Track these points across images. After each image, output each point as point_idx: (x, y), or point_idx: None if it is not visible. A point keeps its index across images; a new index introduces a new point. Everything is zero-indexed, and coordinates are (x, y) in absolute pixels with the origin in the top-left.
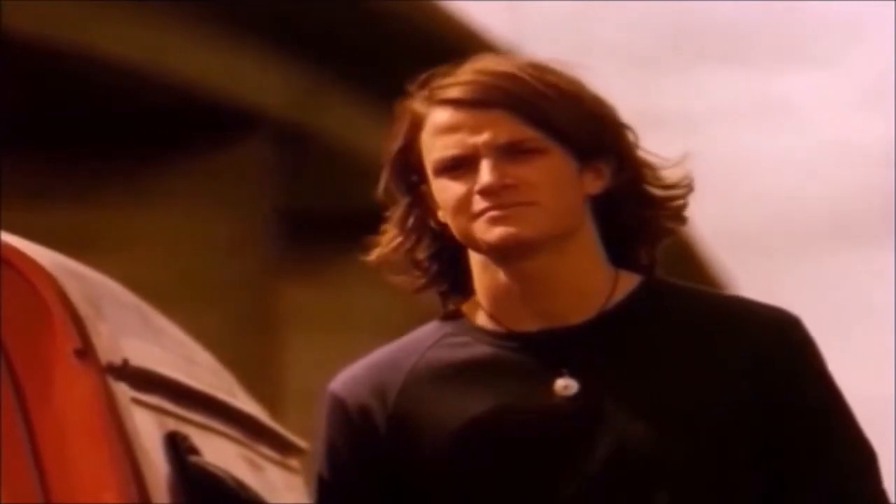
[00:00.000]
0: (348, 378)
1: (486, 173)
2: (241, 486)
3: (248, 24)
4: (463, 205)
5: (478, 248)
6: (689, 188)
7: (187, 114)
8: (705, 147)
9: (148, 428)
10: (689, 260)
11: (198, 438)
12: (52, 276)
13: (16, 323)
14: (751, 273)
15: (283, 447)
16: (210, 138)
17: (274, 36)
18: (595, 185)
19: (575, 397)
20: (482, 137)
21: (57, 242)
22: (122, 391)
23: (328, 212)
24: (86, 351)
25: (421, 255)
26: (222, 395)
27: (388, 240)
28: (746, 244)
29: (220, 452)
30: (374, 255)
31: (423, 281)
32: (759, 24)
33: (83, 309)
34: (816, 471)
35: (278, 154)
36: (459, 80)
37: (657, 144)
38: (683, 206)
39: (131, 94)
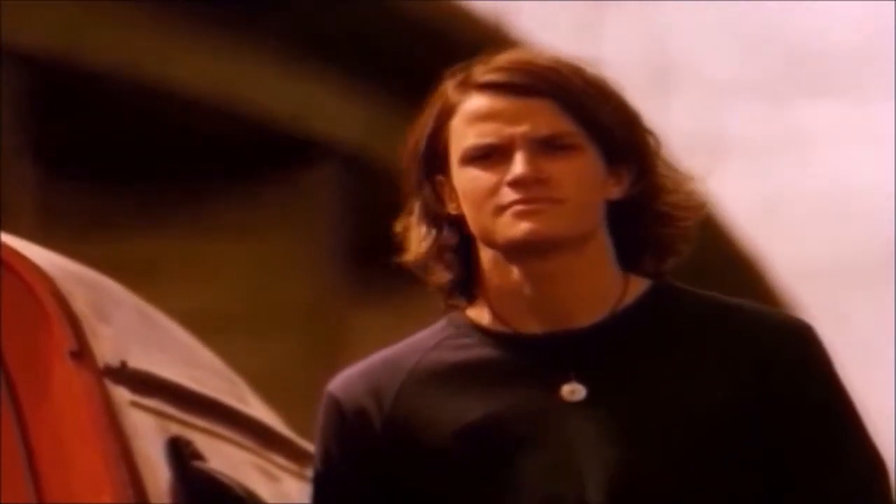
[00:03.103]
0: (346, 379)
1: (520, 165)
2: (249, 494)
3: (316, 54)
4: (489, 196)
5: (494, 243)
6: (701, 208)
7: (257, 142)
8: (788, 175)
9: (148, 432)
10: (757, 286)
11: (203, 444)
12: (50, 277)
13: (11, 323)
14: (824, 303)
15: (300, 456)
16: (279, 167)
17: (342, 65)
18: (614, 190)
19: (582, 403)
20: (520, 128)
21: (127, 271)
22: (120, 394)
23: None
24: (82, 352)
25: (446, 249)
26: (232, 402)
27: (419, 237)
28: (822, 273)
29: (228, 459)
30: (409, 256)
31: (449, 277)
32: (847, 52)
33: (81, 310)
34: (823, 479)
35: (347, 182)
36: (500, 66)
37: (737, 170)
38: (692, 227)
39: (201, 124)
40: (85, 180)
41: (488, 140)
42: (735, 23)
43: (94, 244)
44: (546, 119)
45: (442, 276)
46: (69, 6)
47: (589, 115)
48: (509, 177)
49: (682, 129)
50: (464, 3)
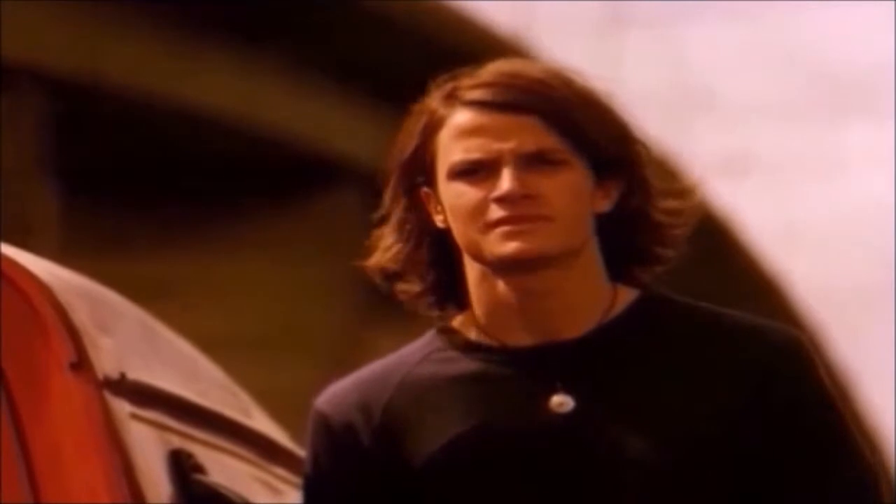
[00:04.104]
0: (333, 394)
1: (507, 181)
2: None
3: (338, 76)
4: (476, 212)
5: (482, 259)
6: (692, 217)
7: (278, 163)
8: (812, 196)
9: (149, 444)
10: (777, 306)
11: (205, 457)
12: (49, 287)
13: (10, 335)
14: (844, 322)
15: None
16: (301, 187)
17: (364, 87)
18: (603, 203)
19: (570, 414)
20: (508, 144)
21: (146, 291)
22: (120, 406)
23: None
24: (81, 364)
25: (420, 261)
26: (235, 415)
27: (387, 245)
28: (843, 293)
29: (230, 472)
30: (371, 262)
31: (419, 289)
32: (872, 74)
33: (80, 322)
34: (817, 491)
35: (368, 204)
36: (487, 81)
37: (760, 191)
38: (682, 235)
39: (222, 144)
40: (106, 200)
41: (475, 156)
42: (761, 44)
43: (115, 263)
44: (533, 135)
45: (413, 286)
46: (91, 29)
47: (576, 130)
48: (496, 193)
49: (706, 150)
50: (487, 27)
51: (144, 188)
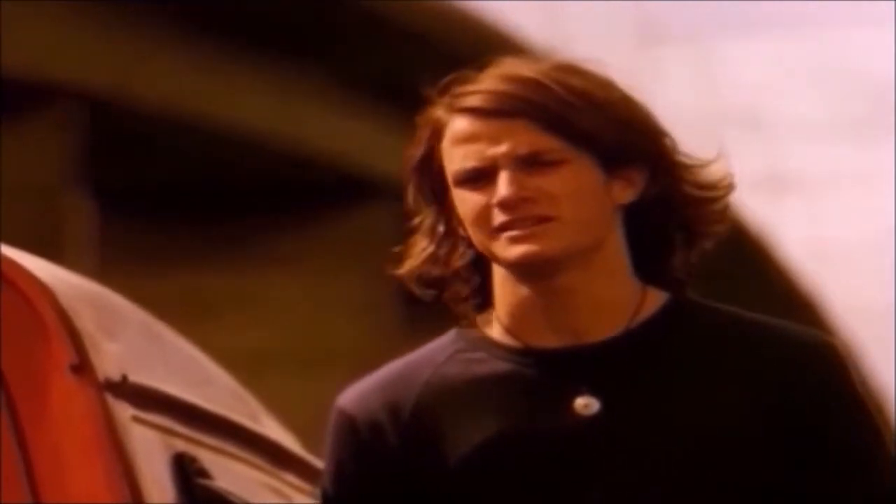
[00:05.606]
0: (358, 394)
1: (503, 186)
2: None
3: (369, 92)
4: (482, 218)
5: (498, 262)
6: (729, 189)
7: (312, 180)
8: (847, 213)
9: (152, 448)
10: (814, 327)
11: (210, 462)
12: (50, 289)
13: (10, 337)
14: (883, 344)
15: (314, 476)
16: (334, 205)
17: (396, 103)
18: (625, 194)
19: (595, 416)
20: (501, 148)
21: (182, 308)
22: (122, 408)
23: None
24: (82, 366)
25: (458, 263)
26: (242, 420)
27: (420, 250)
28: (884, 314)
29: (237, 477)
30: (404, 268)
31: (464, 293)
32: None
33: (82, 324)
34: (844, 500)
35: (401, 219)
36: (479, 87)
37: (796, 209)
38: (723, 209)
39: (258, 162)
40: (142, 218)
41: (471, 164)
42: (800, 62)
43: (152, 280)
44: (525, 137)
45: (457, 291)
46: (130, 48)
47: (570, 128)
48: (495, 198)
49: (742, 167)
50: (521, 42)
51: (181, 206)
